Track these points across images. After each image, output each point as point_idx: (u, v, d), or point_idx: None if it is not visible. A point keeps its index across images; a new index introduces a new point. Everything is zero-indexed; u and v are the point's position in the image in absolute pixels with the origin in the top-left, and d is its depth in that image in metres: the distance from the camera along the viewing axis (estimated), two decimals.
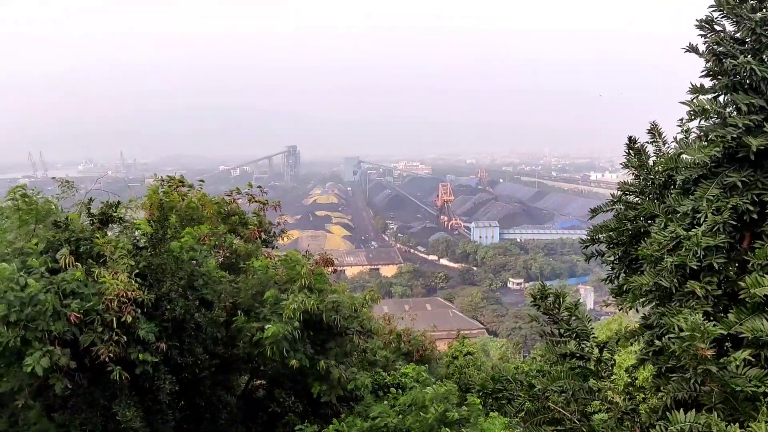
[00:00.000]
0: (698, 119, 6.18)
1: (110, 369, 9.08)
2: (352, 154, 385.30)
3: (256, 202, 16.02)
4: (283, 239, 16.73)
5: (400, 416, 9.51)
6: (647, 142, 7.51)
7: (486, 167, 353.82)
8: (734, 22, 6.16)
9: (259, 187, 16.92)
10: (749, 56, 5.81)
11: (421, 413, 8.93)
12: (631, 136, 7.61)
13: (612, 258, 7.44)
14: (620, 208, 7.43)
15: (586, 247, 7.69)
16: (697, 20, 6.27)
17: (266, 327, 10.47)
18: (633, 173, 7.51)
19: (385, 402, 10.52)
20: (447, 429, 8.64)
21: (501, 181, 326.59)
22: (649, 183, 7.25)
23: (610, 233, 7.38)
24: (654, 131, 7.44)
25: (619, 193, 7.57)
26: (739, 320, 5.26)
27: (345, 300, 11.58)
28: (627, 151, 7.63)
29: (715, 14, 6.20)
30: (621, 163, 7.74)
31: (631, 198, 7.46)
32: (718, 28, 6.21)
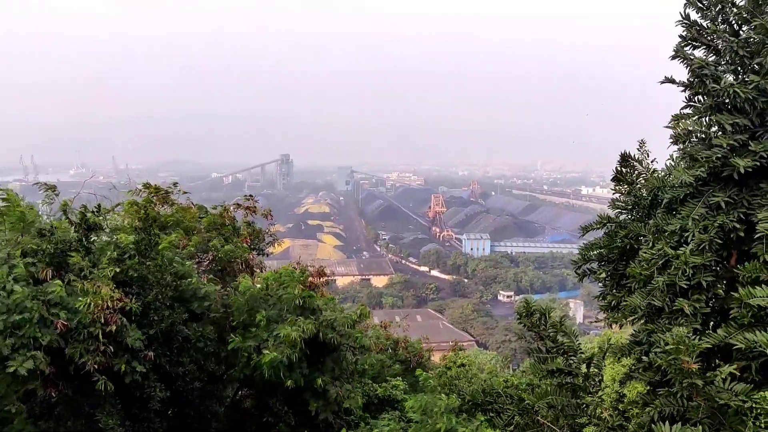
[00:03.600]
0: (683, 142, 6.29)
1: (96, 379, 9.01)
2: (345, 164, 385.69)
3: (246, 209, 16.01)
4: (274, 247, 16.70)
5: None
6: (635, 161, 7.58)
7: (478, 179, 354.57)
8: (707, 47, 6.34)
9: (251, 195, 16.93)
10: (731, 77, 5.95)
11: (429, 422, 8.86)
12: (624, 153, 7.65)
13: (603, 275, 7.49)
14: (610, 227, 7.50)
15: (579, 267, 7.74)
16: (674, 49, 6.46)
17: (262, 348, 10.48)
18: (623, 190, 7.57)
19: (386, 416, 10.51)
20: None
21: (493, 193, 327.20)
22: (638, 202, 7.32)
23: (601, 251, 7.44)
24: (640, 150, 7.51)
25: (609, 212, 7.62)
26: (728, 334, 5.32)
27: (339, 317, 11.55)
28: (619, 168, 7.68)
29: (687, 43, 6.41)
30: (612, 179, 7.80)
31: (621, 216, 7.52)
32: (695, 54, 6.38)
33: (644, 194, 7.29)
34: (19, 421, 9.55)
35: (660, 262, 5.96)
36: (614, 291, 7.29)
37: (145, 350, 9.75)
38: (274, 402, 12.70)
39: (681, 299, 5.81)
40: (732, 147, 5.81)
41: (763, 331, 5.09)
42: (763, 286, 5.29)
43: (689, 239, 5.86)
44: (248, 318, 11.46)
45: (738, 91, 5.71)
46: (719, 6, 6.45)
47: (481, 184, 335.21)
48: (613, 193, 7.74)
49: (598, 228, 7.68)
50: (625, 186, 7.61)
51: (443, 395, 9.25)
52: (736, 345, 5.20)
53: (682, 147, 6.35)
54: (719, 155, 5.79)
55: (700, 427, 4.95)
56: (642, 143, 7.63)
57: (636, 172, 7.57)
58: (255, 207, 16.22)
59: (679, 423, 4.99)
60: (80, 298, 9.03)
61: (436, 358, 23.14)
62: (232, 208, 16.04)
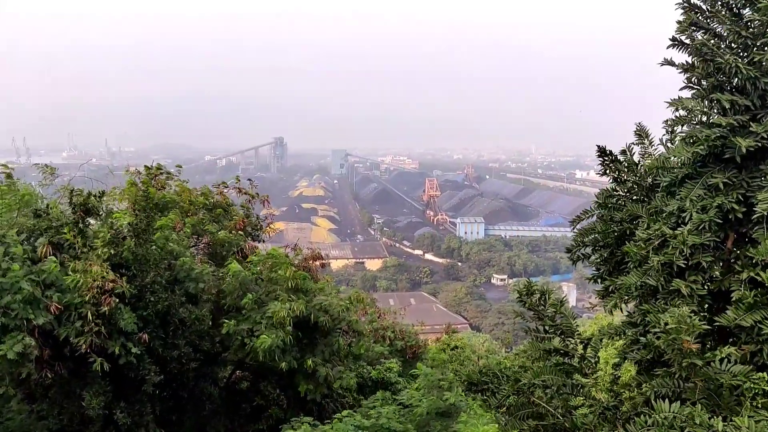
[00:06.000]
0: (682, 123, 6.27)
1: (92, 360, 9.01)
2: (339, 147, 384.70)
3: (244, 194, 15.82)
4: (268, 234, 16.57)
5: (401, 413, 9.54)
6: (633, 144, 7.55)
7: (473, 163, 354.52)
8: (707, 31, 6.32)
9: (249, 180, 16.75)
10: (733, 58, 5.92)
11: (436, 396, 8.90)
12: (600, 146, 7.65)
13: (598, 259, 7.49)
14: (604, 212, 7.48)
15: (573, 253, 7.73)
16: (674, 33, 6.41)
17: (256, 332, 10.50)
18: (612, 177, 7.56)
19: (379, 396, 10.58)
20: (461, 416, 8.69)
21: (487, 177, 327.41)
22: (636, 185, 7.31)
23: (596, 235, 7.42)
24: (640, 133, 7.47)
25: (603, 198, 7.59)
26: (738, 316, 5.34)
27: (333, 301, 11.56)
28: (600, 161, 7.67)
29: (686, 28, 6.38)
30: (597, 172, 7.80)
31: (618, 200, 7.51)
32: (687, 41, 6.35)
33: (640, 178, 7.28)
34: (15, 402, 9.57)
35: (657, 242, 5.96)
36: (609, 275, 7.30)
37: (139, 332, 9.75)
38: (265, 385, 12.75)
39: (678, 280, 5.82)
40: (732, 127, 5.80)
41: None
42: None
43: (687, 219, 5.86)
44: (240, 301, 11.45)
45: (740, 66, 5.68)
46: None
47: (476, 167, 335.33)
48: (604, 177, 7.74)
49: (592, 216, 7.66)
50: (617, 174, 7.59)
51: (451, 374, 9.31)
52: (745, 325, 5.22)
53: (681, 129, 6.34)
54: (719, 135, 5.79)
55: (698, 406, 4.97)
56: (639, 126, 7.61)
57: (631, 156, 7.55)
58: (249, 191, 15.93)
59: (678, 402, 5.02)
60: (69, 274, 9.00)
61: (429, 341, 23.17)
62: (228, 190, 15.84)
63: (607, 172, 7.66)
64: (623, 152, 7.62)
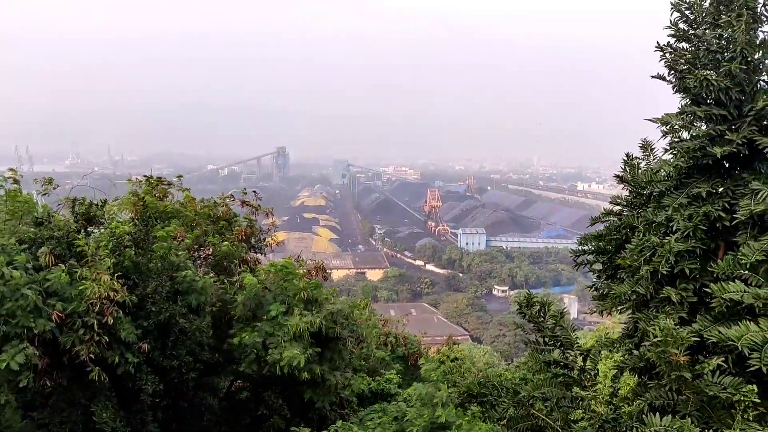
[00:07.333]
0: (670, 134, 6.43)
1: (89, 369, 9.00)
2: (341, 157, 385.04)
3: (248, 205, 15.83)
4: (271, 244, 16.56)
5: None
6: (636, 157, 7.64)
7: (474, 174, 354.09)
8: (690, 42, 6.48)
9: (255, 191, 16.77)
10: (708, 71, 6.09)
11: (427, 412, 8.87)
12: (628, 153, 7.76)
13: (599, 267, 7.55)
14: (613, 220, 7.58)
15: (578, 256, 7.80)
16: (656, 45, 6.58)
17: (269, 344, 10.49)
18: (626, 188, 7.66)
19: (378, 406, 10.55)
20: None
21: (489, 188, 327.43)
22: (637, 196, 7.39)
23: (599, 243, 7.50)
24: (645, 146, 7.56)
25: (611, 206, 7.69)
26: (703, 327, 5.40)
27: (344, 309, 11.57)
28: (623, 167, 7.76)
29: (672, 38, 6.56)
30: (614, 175, 7.89)
31: (621, 209, 7.59)
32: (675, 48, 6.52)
33: (640, 189, 7.36)
34: (9, 411, 9.53)
35: (648, 254, 6.04)
36: (608, 282, 7.36)
37: (139, 342, 9.75)
38: (269, 394, 12.70)
39: (668, 288, 5.90)
40: (711, 137, 5.93)
41: (734, 325, 5.15)
42: (737, 281, 5.38)
43: (675, 228, 5.96)
44: (252, 312, 11.40)
45: (711, 80, 5.82)
46: (698, 9, 6.61)
47: (478, 178, 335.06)
48: (610, 188, 7.84)
49: (604, 221, 7.76)
50: (627, 184, 7.68)
51: (443, 385, 9.26)
52: (711, 339, 5.27)
53: (670, 140, 6.49)
54: (698, 146, 5.91)
55: (689, 419, 4.98)
56: (645, 142, 7.71)
57: (636, 167, 7.63)
58: (258, 205, 15.98)
59: (669, 415, 5.03)
60: (83, 283, 9.01)
61: (430, 352, 23.10)
62: (235, 200, 15.85)
63: (623, 180, 7.77)
64: (625, 163, 7.71)
